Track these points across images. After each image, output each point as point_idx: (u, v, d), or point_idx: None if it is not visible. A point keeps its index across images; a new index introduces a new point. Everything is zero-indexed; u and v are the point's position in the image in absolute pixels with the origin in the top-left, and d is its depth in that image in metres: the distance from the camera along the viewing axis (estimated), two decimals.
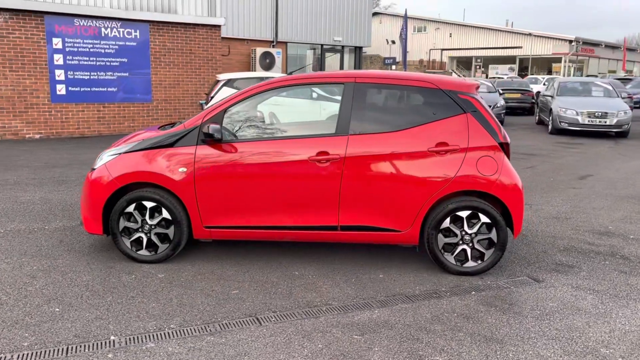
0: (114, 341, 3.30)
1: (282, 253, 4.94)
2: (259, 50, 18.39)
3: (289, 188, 4.47)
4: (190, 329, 3.48)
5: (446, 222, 4.46)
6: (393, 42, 24.59)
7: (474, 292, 4.19)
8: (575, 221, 6.28)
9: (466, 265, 4.53)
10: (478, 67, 54.55)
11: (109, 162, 4.63)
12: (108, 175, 4.56)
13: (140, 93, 14.19)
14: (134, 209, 4.56)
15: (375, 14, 56.21)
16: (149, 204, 4.55)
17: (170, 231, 4.59)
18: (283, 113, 4.88)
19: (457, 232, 4.48)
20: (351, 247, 5.09)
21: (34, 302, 3.81)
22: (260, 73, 12.84)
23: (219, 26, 15.28)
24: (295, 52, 20.42)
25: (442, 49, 54.04)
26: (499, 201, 4.50)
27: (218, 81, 12.12)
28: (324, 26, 20.64)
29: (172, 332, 3.43)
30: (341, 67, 21.84)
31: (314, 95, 5.77)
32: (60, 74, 13.02)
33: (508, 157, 4.56)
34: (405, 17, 26.01)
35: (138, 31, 13.93)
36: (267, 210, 4.52)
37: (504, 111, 17.58)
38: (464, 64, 56.18)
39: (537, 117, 18.10)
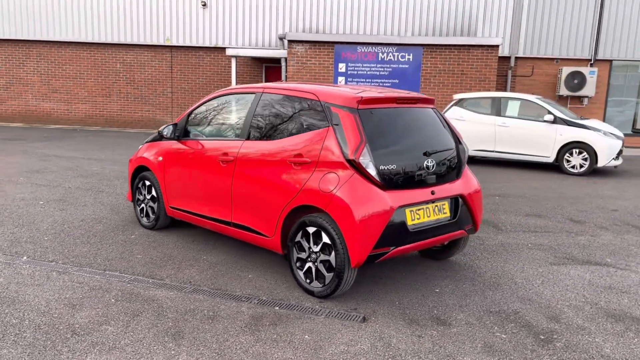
0: (22, 259, 4.95)
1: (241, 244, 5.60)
2: (566, 70, 16.66)
3: (206, 182, 5.18)
4: (62, 265, 4.81)
5: (299, 236, 4.35)
6: None
7: (277, 307, 4.05)
8: (605, 297, 4.48)
9: (312, 284, 4.30)
10: None
11: (140, 148, 6.29)
12: (134, 158, 6.24)
13: None
14: (141, 185, 6.11)
15: None
16: (147, 183, 6.02)
17: (155, 205, 5.94)
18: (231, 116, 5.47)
19: (306, 248, 4.30)
20: None
21: (41, 228, 5.82)
22: (497, 93, 12.09)
23: (496, 46, 14.90)
24: (625, 72, 17.43)
25: None
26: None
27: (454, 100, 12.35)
28: None
29: (51, 262, 4.84)
30: None
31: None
32: None
33: (369, 177, 4.06)
34: None
35: (412, 54, 15.10)
36: (197, 199, 5.34)
37: None
38: None
39: None
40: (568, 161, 11.16)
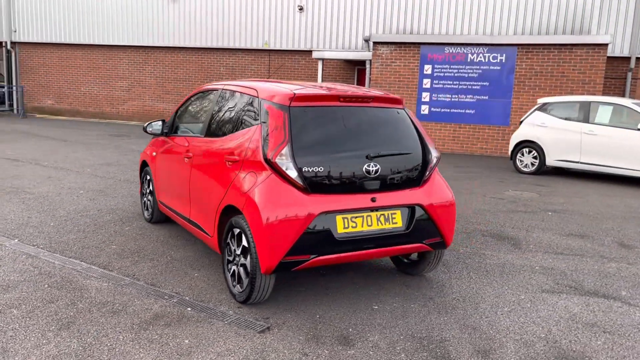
0: (13, 241, 5.36)
1: None
2: None
3: (177, 178, 5.20)
4: (40, 249, 5.11)
5: (229, 237, 4.17)
6: None
7: (189, 309, 3.92)
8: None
9: (235, 288, 4.09)
10: None
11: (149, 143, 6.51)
12: (142, 153, 6.47)
13: (498, 116, 14.21)
14: (144, 180, 6.31)
15: None
16: (148, 177, 6.20)
17: (152, 199, 6.10)
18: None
19: (232, 249, 4.12)
20: None
21: (57, 214, 6.25)
22: (586, 97, 10.69)
23: (604, 45, 13.25)
24: None
25: None
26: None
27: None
28: None
29: (32, 246, 5.17)
30: None
31: None
32: (425, 96, 14.78)
33: (288, 178, 3.76)
34: None
35: (504, 55, 13.98)
36: (172, 195, 5.38)
37: None
38: None
39: None
40: None
